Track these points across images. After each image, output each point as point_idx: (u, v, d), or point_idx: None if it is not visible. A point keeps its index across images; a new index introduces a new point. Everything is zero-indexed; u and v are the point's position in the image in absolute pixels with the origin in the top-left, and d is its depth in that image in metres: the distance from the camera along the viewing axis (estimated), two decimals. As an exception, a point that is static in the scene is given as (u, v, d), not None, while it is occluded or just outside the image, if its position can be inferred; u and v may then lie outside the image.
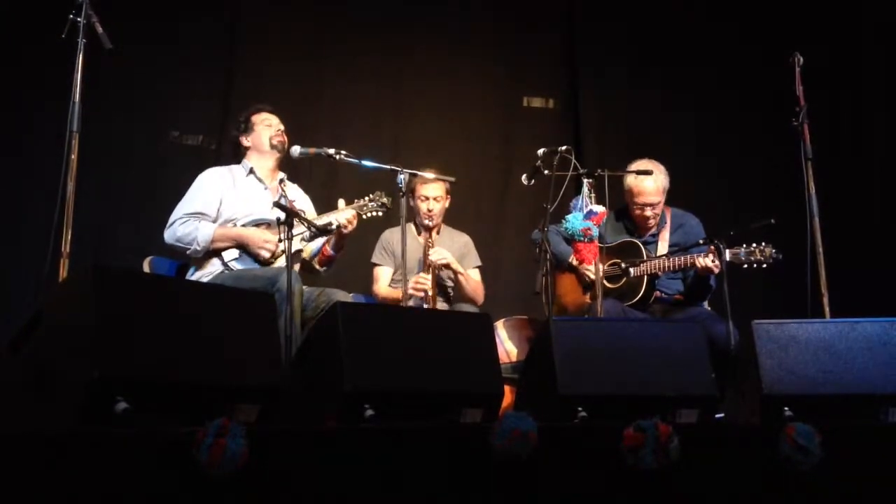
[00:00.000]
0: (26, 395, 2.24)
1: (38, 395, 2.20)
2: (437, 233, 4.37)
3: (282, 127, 3.93)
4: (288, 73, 4.97)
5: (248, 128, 3.92)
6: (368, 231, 4.40)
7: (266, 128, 3.91)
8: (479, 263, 4.45)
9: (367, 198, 3.83)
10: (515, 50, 5.45)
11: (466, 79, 5.31)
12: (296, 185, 4.04)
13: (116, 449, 2.02)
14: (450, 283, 4.31)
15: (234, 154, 3.98)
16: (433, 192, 4.26)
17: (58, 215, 3.14)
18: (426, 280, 4.08)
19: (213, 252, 3.68)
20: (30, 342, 2.27)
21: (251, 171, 3.88)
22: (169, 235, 3.67)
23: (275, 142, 3.89)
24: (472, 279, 4.35)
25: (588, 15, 5.51)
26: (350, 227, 3.74)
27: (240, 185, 3.84)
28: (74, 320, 2.20)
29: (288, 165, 4.03)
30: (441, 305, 4.29)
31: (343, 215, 3.73)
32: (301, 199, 3.98)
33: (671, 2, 5.51)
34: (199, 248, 3.64)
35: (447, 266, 4.19)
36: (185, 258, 3.75)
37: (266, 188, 3.88)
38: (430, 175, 4.04)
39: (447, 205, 4.37)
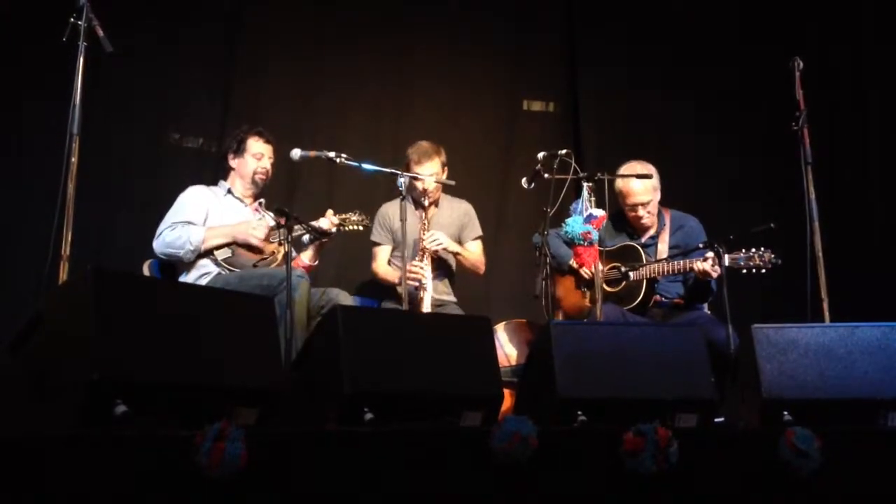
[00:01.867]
0: (26, 397, 2.24)
1: (37, 397, 2.21)
2: (437, 205, 4.32)
3: (268, 165, 3.96)
4: (288, 75, 4.97)
5: (239, 149, 3.96)
6: (364, 235, 4.41)
7: (255, 160, 3.93)
8: (480, 233, 4.41)
9: (350, 213, 3.91)
10: (515, 52, 5.45)
11: (467, 81, 5.31)
12: (269, 213, 4.00)
13: (115, 452, 2.02)
14: (450, 258, 4.30)
15: (221, 166, 4.02)
16: (428, 171, 4.12)
17: (58, 217, 3.14)
18: (420, 269, 4.04)
19: (204, 253, 3.71)
20: (29, 344, 2.27)
21: (229, 191, 3.94)
22: (159, 245, 3.70)
23: (257, 178, 3.95)
24: (472, 253, 4.33)
25: (588, 16, 5.51)
26: (330, 229, 3.83)
27: (221, 202, 3.90)
28: (74, 323, 2.20)
29: (286, 168, 4.05)
30: (442, 284, 4.27)
31: (330, 220, 3.81)
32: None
33: (671, 2, 5.50)
34: (191, 250, 3.67)
35: (444, 249, 4.17)
36: (184, 266, 3.75)
37: (245, 206, 3.95)
38: (430, 177, 4.04)
39: (444, 177, 4.21)
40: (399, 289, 3.95)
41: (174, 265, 3.77)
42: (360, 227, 3.99)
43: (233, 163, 3.97)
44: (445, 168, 4.25)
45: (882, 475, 2.61)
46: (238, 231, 3.76)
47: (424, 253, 4.09)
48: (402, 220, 3.74)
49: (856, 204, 5.09)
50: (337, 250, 4.63)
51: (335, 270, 4.73)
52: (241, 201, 3.95)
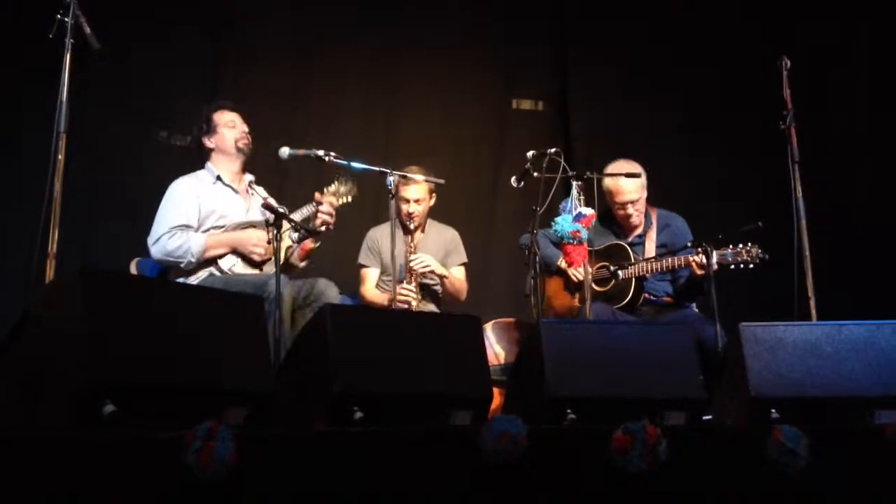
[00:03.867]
0: (14, 397, 2.23)
1: (25, 397, 2.19)
2: (423, 230, 4.38)
3: (245, 128, 3.86)
4: (277, 74, 4.96)
5: (210, 128, 3.85)
6: (355, 231, 4.40)
7: (230, 129, 3.83)
8: (465, 260, 4.45)
9: (334, 185, 3.76)
10: (505, 52, 5.45)
11: (456, 81, 5.31)
12: (261, 188, 3.96)
13: (104, 452, 2.01)
14: (433, 282, 4.32)
15: (199, 155, 3.92)
16: (414, 195, 4.25)
17: (45, 215, 3.12)
18: (410, 291, 4.10)
19: (209, 261, 3.64)
20: (18, 344, 2.25)
21: (218, 178, 3.83)
22: (158, 251, 3.61)
23: (240, 144, 3.84)
24: (456, 277, 4.36)
25: (579, 16, 5.51)
26: (332, 219, 3.69)
27: (211, 192, 3.79)
28: (62, 322, 2.18)
29: (264, 166, 4.02)
30: (430, 308, 4.29)
31: (324, 209, 3.67)
32: None
33: (662, 3, 5.52)
34: (193, 260, 3.60)
35: (431, 272, 4.21)
36: (178, 271, 3.70)
37: (236, 192, 3.85)
38: (419, 177, 4.04)
39: (431, 204, 4.36)
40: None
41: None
42: (350, 198, 3.81)
43: (210, 143, 3.85)
44: (433, 194, 4.32)
45: (869, 473, 2.63)
46: (240, 243, 3.68)
47: (412, 275, 4.14)
48: (392, 219, 3.73)
49: (843, 202, 5.11)
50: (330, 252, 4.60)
51: (326, 264, 4.70)
52: (232, 188, 3.84)
